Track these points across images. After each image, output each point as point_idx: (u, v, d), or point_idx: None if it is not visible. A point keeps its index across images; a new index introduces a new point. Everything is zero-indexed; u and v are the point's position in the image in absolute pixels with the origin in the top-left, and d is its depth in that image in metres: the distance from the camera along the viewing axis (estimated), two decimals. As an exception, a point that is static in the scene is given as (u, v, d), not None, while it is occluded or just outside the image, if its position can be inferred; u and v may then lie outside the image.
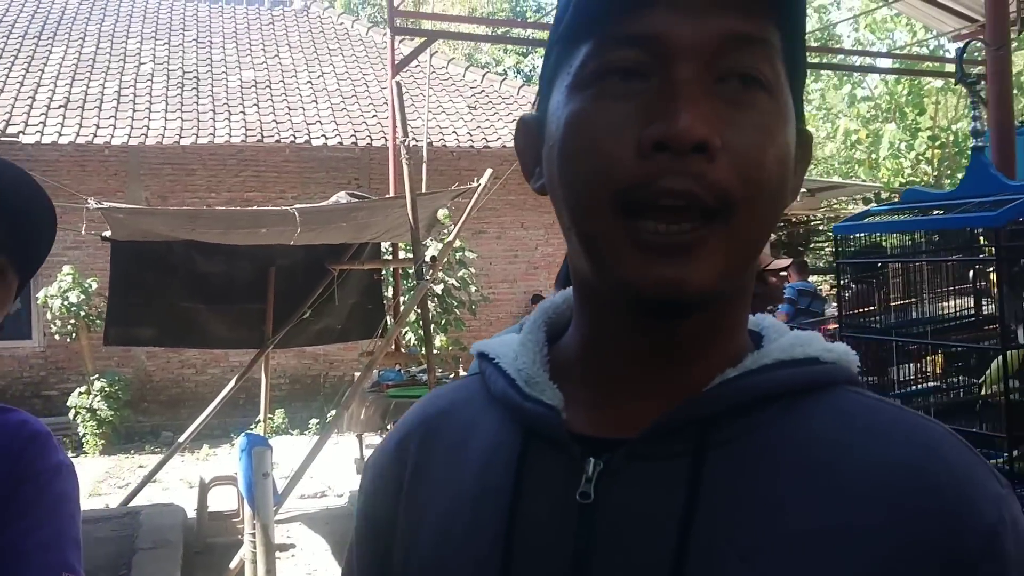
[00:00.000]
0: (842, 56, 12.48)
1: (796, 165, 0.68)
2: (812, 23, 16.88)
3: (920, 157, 14.69)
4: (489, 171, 5.87)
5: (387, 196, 6.97)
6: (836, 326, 2.70)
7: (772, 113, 0.62)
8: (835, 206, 12.94)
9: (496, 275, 12.34)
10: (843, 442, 0.63)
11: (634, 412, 0.66)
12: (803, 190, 11.01)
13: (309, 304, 6.70)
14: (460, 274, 10.27)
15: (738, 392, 0.65)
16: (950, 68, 9.19)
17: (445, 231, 8.61)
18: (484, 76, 14.21)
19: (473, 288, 10.31)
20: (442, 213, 7.95)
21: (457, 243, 9.72)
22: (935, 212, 2.14)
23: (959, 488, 0.61)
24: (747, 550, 0.60)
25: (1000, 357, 2.24)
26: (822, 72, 13.72)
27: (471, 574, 0.67)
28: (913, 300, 3.17)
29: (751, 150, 0.60)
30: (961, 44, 2.61)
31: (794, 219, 12.51)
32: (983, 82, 2.00)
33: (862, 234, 2.29)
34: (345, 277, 6.72)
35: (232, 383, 7.00)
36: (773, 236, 13.13)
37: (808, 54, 0.70)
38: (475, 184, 5.86)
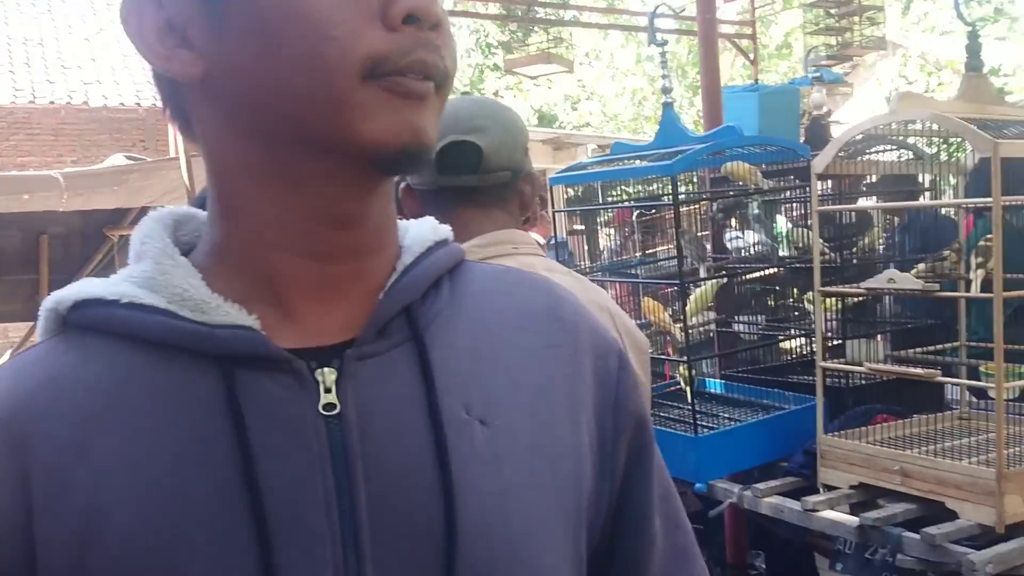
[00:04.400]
0: (627, 16, 13.00)
1: None
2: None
3: (700, 113, 15.61)
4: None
5: (162, 158, 6.75)
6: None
7: None
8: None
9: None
10: (502, 305, 0.73)
11: (328, 317, 0.65)
12: (595, 146, 11.47)
13: (88, 272, 6.44)
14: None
15: (425, 275, 0.69)
16: (724, 29, 9.76)
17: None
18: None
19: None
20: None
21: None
22: (636, 163, 2.39)
23: (590, 322, 0.77)
24: (483, 413, 0.66)
25: (698, 291, 2.53)
26: (610, 32, 14.24)
27: (217, 533, 0.58)
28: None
29: (448, 25, 0.63)
30: (652, 9, 2.88)
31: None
32: (667, 44, 2.25)
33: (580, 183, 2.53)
34: (125, 243, 6.50)
35: (6, 357, 6.65)
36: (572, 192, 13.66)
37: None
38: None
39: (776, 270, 2.68)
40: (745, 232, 2.65)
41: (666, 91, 2.35)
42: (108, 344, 0.63)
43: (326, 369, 0.62)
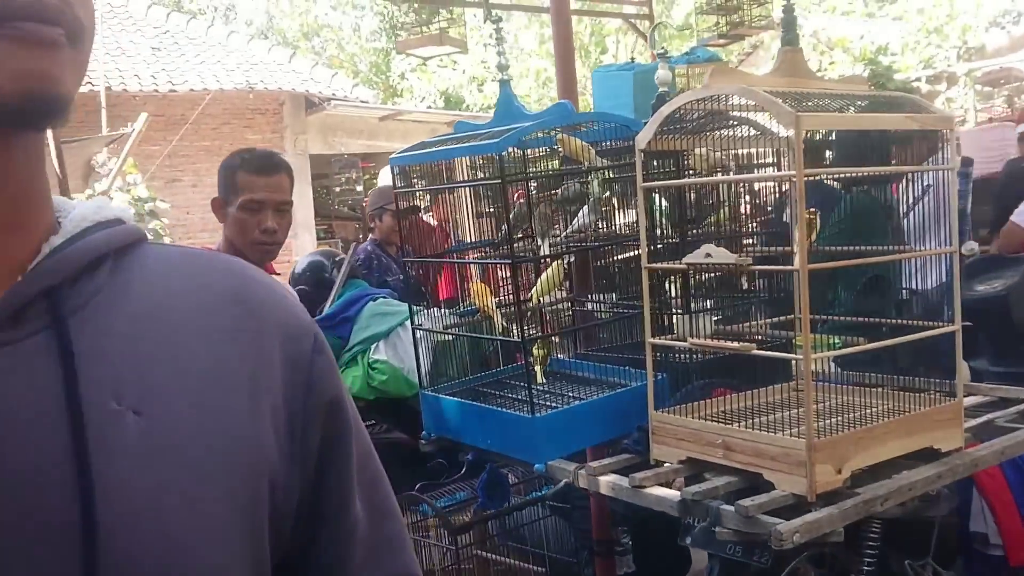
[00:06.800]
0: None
1: None
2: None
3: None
4: (144, 115, 5.63)
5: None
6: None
7: None
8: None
9: (195, 225, 11.86)
10: (179, 288, 0.70)
11: None
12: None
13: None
14: (152, 225, 9.81)
15: (77, 256, 0.65)
16: (628, 9, 9.81)
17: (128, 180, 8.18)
18: (169, 16, 13.41)
19: (167, 239, 9.88)
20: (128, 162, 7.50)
21: (145, 193, 9.26)
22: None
23: (282, 304, 0.73)
24: (137, 402, 0.62)
25: (547, 271, 2.51)
26: (513, 13, 14.20)
27: None
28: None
29: None
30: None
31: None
32: (502, 20, 2.23)
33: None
34: None
35: None
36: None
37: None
38: (128, 129, 5.60)
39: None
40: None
41: (502, 68, 2.32)
42: None
43: None
